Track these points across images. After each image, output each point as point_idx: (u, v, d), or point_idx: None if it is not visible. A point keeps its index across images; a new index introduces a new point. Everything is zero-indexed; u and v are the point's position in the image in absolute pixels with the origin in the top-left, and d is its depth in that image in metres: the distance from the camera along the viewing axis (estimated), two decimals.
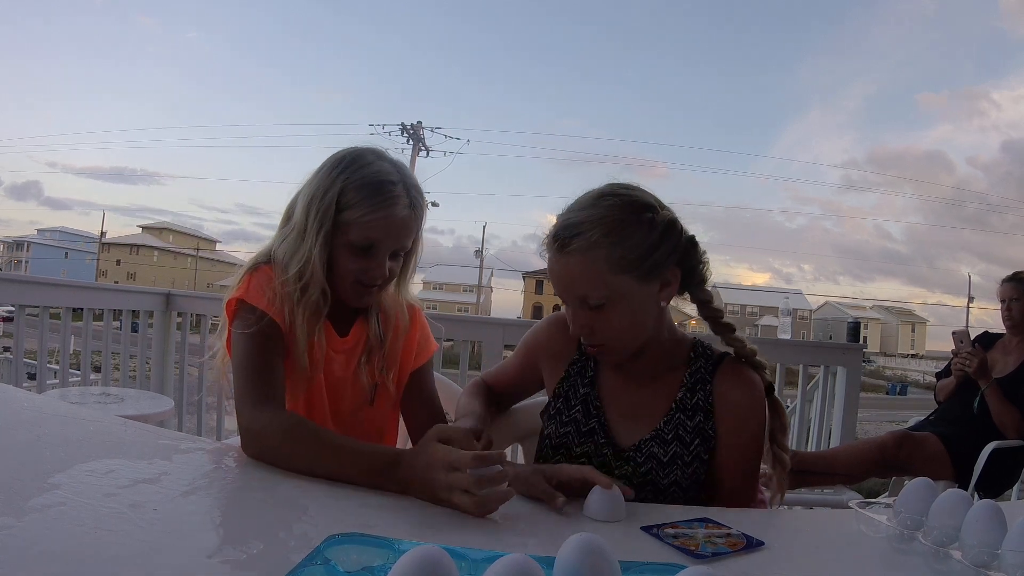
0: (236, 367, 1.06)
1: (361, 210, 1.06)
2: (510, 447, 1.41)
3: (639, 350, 1.06)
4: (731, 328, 1.08)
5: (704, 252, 1.07)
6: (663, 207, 1.03)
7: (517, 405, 1.29)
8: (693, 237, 1.05)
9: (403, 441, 1.33)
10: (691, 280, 1.06)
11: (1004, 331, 2.65)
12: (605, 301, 0.98)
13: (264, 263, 1.13)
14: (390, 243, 1.10)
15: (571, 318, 1.03)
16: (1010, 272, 2.67)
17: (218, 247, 64.75)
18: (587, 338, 1.03)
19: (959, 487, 1.47)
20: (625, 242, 0.97)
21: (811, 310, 53.35)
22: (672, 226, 1.02)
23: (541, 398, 1.23)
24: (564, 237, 0.99)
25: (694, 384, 1.06)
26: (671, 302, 1.06)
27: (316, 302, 1.10)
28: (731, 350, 1.08)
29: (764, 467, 1.09)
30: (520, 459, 1.38)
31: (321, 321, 1.12)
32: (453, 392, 1.44)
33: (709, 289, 1.09)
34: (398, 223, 1.09)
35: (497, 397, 1.24)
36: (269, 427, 0.96)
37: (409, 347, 1.25)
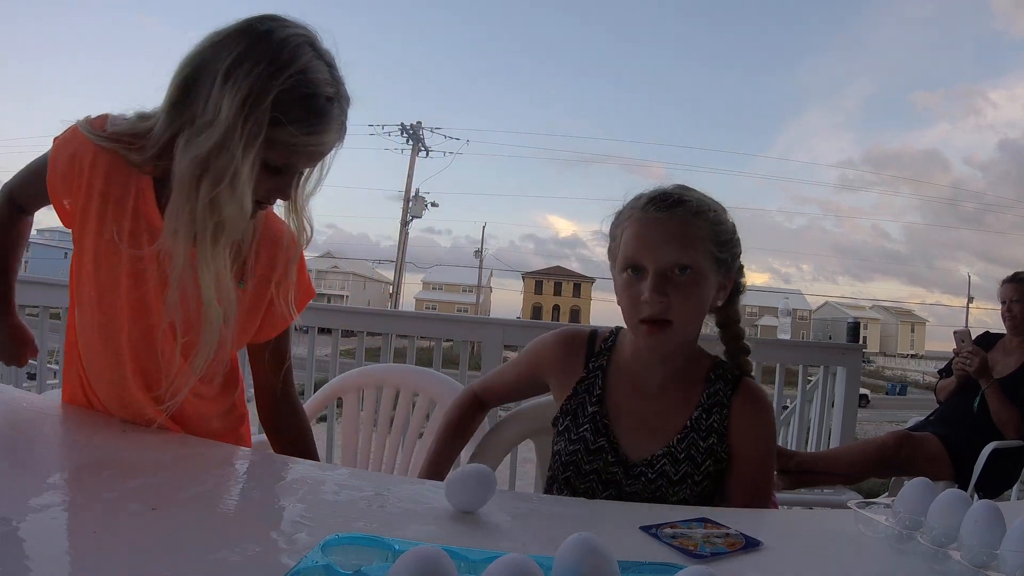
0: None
1: (290, 130, 0.90)
2: (522, 443, 1.40)
3: (673, 351, 1.06)
4: (747, 351, 1.11)
5: (745, 278, 1.11)
6: None
7: (528, 403, 1.28)
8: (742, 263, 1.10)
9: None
10: (731, 297, 1.10)
11: (1005, 331, 2.66)
12: (694, 268, 0.99)
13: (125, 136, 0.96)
14: (305, 167, 0.99)
15: (652, 286, 0.97)
16: (1010, 272, 2.68)
17: None
18: (661, 312, 0.98)
19: (958, 487, 1.47)
20: (721, 224, 1.03)
21: (810, 310, 53.34)
22: (739, 241, 1.07)
23: (550, 396, 1.20)
24: (676, 197, 1.01)
25: (711, 406, 1.06)
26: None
27: (229, 244, 0.96)
28: (750, 361, 1.11)
29: None
30: (533, 455, 1.37)
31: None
32: (452, 389, 1.44)
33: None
34: (325, 149, 0.97)
35: (489, 405, 1.25)
36: None
37: (301, 288, 1.11)
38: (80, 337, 1.05)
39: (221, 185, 0.89)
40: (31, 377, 3.26)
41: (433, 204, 24.76)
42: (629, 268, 1.02)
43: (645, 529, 0.79)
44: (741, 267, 1.09)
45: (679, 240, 0.99)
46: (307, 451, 1.17)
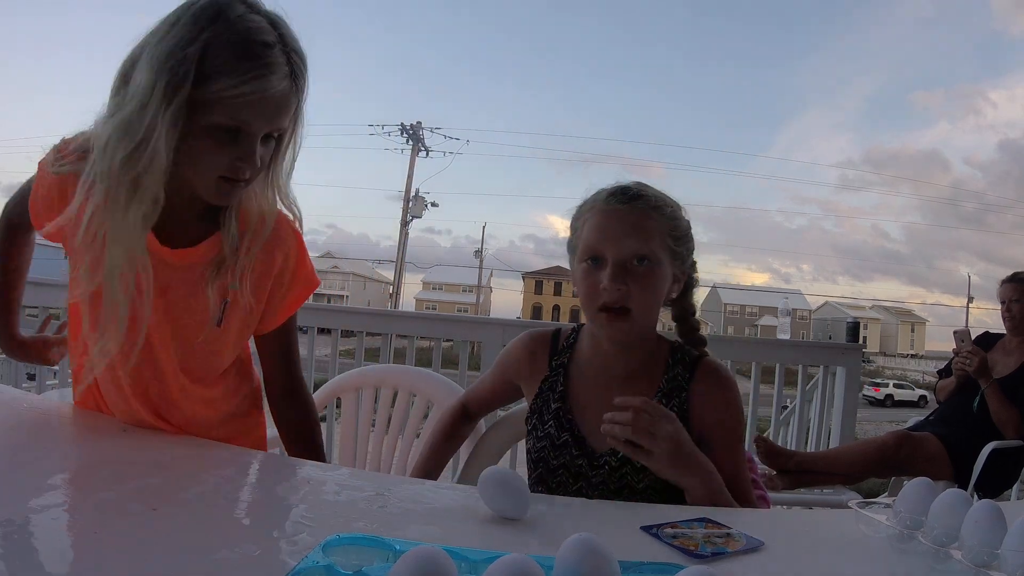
0: None
1: (227, 80, 0.85)
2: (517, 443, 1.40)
3: (633, 341, 1.07)
4: (704, 342, 1.14)
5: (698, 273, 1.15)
6: None
7: (520, 406, 1.29)
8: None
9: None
10: (685, 290, 1.13)
11: (1004, 331, 2.66)
12: (652, 259, 1.02)
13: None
14: (262, 124, 0.90)
15: (611, 275, 1.00)
16: (1010, 272, 2.68)
17: None
18: (619, 299, 1.01)
19: (958, 487, 1.47)
20: (677, 219, 1.07)
21: (810, 310, 53.35)
22: (693, 239, 1.10)
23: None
24: (635, 191, 1.05)
25: (670, 391, 1.07)
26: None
27: (145, 211, 0.89)
28: (707, 351, 1.13)
29: (766, 468, 1.09)
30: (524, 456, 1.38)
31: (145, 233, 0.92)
32: (450, 390, 1.44)
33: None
34: (273, 98, 0.88)
35: (476, 414, 1.28)
36: None
37: (295, 280, 1.07)
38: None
39: (135, 141, 0.85)
40: (31, 377, 3.26)
41: (433, 204, 24.73)
42: (589, 259, 1.04)
43: (646, 529, 0.79)
44: (694, 263, 1.13)
45: (638, 232, 1.02)
46: (312, 446, 1.15)
